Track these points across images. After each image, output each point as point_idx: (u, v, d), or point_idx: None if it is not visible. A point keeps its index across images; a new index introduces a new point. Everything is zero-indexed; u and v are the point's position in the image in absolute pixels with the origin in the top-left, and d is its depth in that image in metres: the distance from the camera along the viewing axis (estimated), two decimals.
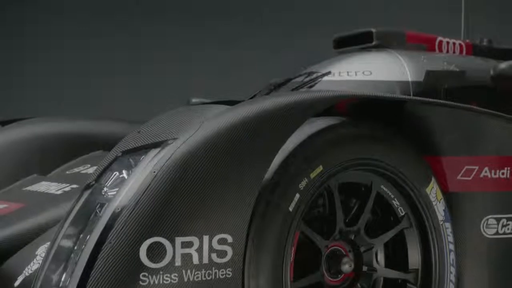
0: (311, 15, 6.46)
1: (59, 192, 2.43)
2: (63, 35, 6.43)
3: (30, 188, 2.60)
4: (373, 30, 3.14)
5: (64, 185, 2.50)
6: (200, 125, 1.75)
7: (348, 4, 6.43)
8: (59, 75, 6.34)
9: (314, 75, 3.00)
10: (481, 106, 2.93)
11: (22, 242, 2.14)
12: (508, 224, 2.30)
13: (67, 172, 2.75)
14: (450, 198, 2.21)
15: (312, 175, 1.89)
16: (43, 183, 2.63)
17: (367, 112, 2.20)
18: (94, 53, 6.41)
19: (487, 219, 2.27)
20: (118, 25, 6.49)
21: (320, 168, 1.91)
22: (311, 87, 2.97)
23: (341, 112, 2.15)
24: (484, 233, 2.26)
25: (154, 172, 1.67)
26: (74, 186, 2.45)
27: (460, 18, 3.65)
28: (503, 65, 2.73)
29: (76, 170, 2.74)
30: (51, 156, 2.96)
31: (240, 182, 1.73)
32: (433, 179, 2.15)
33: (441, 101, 2.25)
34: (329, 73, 2.98)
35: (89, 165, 2.76)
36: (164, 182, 1.66)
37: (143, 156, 1.74)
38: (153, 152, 1.73)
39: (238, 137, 1.74)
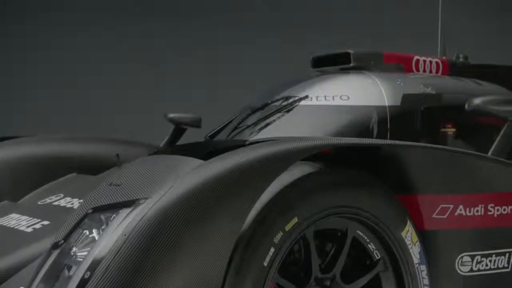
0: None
1: (29, 229, 2.38)
2: (63, 35, 6.35)
3: None
4: (351, 51, 3.12)
5: (35, 220, 2.45)
6: (172, 185, 1.70)
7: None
8: (59, 76, 6.27)
9: (292, 100, 2.96)
10: (457, 129, 2.94)
11: None
12: (482, 261, 2.31)
13: (39, 203, 2.69)
14: (425, 236, 2.20)
15: (287, 228, 1.86)
16: (14, 215, 2.57)
17: (343, 153, 2.18)
18: (93, 53, 6.34)
19: (462, 257, 2.27)
20: (116, 25, 6.42)
21: (295, 220, 1.88)
22: (288, 111, 2.94)
23: (318, 155, 2.12)
24: (459, 271, 2.27)
25: (125, 234, 1.63)
26: (45, 222, 2.40)
27: None
28: (478, 100, 2.71)
29: (48, 200, 2.69)
30: (24, 179, 2.91)
31: (213, 243, 1.70)
32: (408, 222, 2.14)
33: (416, 143, 2.24)
34: (306, 97, 2.95)
35: (62, 195, 2.71)
36: (135, 246, 1.62)
37: (114, 215, 1.70)
38: (124, 212, 1.69)
39: (212, 196, 1.71)
